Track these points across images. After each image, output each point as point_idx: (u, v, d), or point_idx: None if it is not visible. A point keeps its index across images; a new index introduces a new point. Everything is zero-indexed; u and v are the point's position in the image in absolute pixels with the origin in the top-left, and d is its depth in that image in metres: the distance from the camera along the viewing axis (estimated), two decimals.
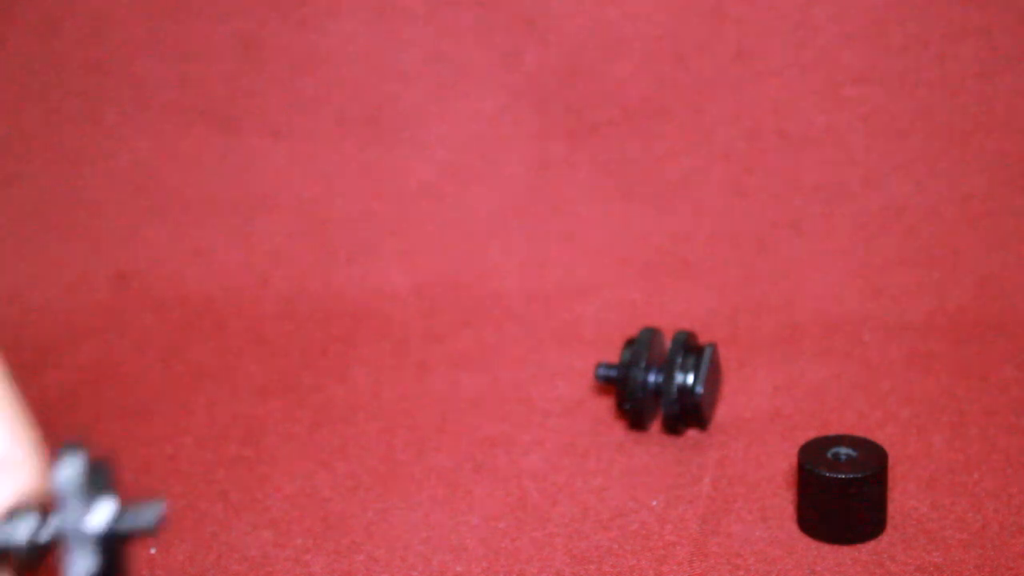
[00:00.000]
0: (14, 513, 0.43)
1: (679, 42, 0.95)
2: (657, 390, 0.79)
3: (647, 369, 0.79)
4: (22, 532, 0.44)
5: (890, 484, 0.72)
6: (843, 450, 0.72)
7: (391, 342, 0.90)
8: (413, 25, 0.96)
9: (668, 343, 0.80)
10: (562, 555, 0.71)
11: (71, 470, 0.42)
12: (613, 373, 0.80)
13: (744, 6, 0.95)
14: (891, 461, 0.72)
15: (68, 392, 0.86)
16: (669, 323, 0.85)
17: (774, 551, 0.71)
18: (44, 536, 0.44)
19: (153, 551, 0.72)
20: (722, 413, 0.82)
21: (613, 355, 0.83)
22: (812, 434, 0.74)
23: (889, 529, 0.72)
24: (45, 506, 0.44)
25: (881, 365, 0.86)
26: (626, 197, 0.95)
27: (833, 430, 0.78)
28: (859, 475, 0.70)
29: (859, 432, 0.76)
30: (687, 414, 0.79)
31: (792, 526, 0.72)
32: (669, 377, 0.78)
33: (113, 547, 0.43)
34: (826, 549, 0.71)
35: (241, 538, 0.73)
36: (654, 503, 0.75)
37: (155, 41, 0.97)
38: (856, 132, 0.95)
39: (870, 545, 0.71)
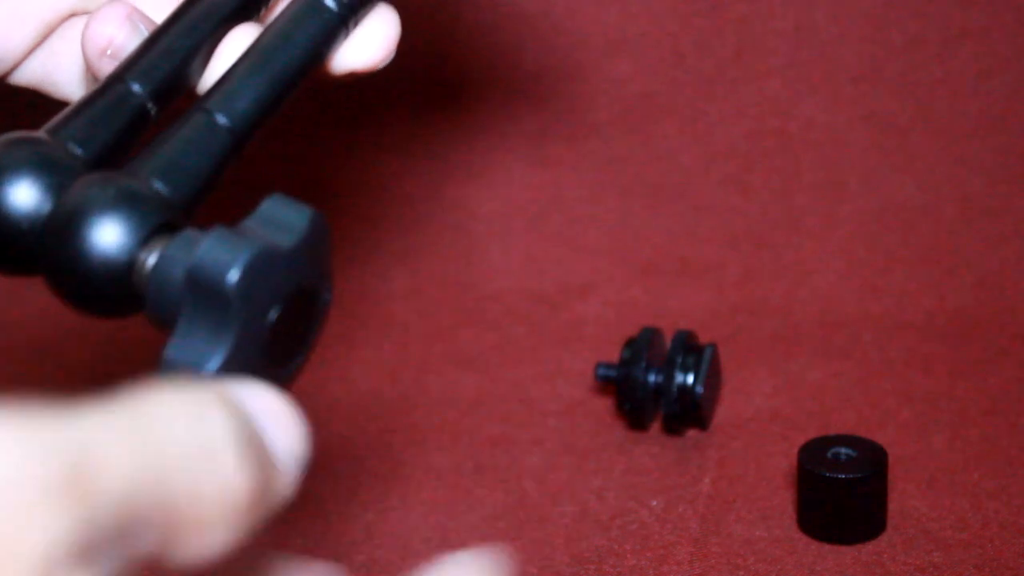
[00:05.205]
0: None
1: (679, 42, 0.95)
2: (657, 390, 0.79)
3: (647, 369, 0.79)
4: None
5: (890, 484, 0.72)
6: (843, 450, 0.72)
7: (391, 342, 0.90)
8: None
9: (668, 343, 0.80)
10: (562, 555, 0.71)
11: None
12: (613, 373, 0.80)
13: (744, 6, 0.95)
14: (891, 461, 0.72)
15: None
16: (669, 323, 0.85)
17: (774, 551, 0.71)
18: None
19: None
20: (722, 413, 0.81)
21: (613, 355, 0.83)
22: (812, 434, 0.74)
23: (889, 529, 0.72)
24: None
25: (881, 365, 0.85)
26: (626, 197, 0.95)
27: (833, 430, 0.78)
28: (859, 475, 0.70)
29: (859, 432, 0.75)
30: (687, 414, 0.79)
31: (792, 526, 0.72)
32: (669, 377, 0.78)
33: None
34: (826, 549, 0.71)
35: None
36: (654, 503, 0.75)
37: None
38: (856, 132, 0.95)
39: (870, 545, 0.71)
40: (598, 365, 0.80)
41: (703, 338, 0.83)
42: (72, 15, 0.56)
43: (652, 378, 0.79)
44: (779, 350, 0.87)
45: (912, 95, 0.94)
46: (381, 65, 0.56)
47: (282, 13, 0.53)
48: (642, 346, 0.79)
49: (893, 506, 0.73)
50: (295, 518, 0.74)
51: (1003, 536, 0.71)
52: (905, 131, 0.94)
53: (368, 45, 0.55)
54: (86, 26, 0.54)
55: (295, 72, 0.52)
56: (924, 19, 0.94)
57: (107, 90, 0.50)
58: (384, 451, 0.80)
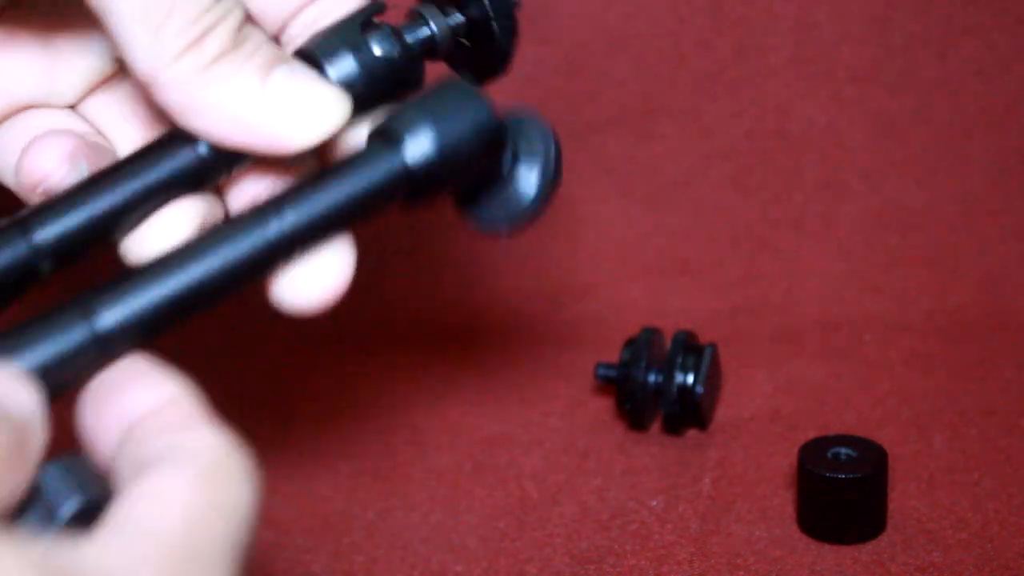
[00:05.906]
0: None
1: (679, 41, 0.95)
2: (657, 390, 0.79)
3: (647, 369, 0.79)
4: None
5: (890, 484, 0.72)
6: (843, 450, 0.72)
7: (391, 342, 0.90)
8: None
9: (668, 343, 0.80)
10: (562, 555, 0.71)
11: None
12: (613, 373, 0.80)
13: (744, 6, 0.95)
14: (891, 461, 0.72)
15: None
16: (669, 323, 0.85)
17: (774, 551, 0.71)
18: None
19: None
20: (722, 413, 0.82)
21: (613, 355, 0.83)
22: (812, 434, 0.74)
23: (889, 529, 0.72)
24: None
25: (881, 365, 0.86)
26: (626, 197, 0.95)
27: (833, 430, 0.78)
28: (859, 475, 0.70)
29: (859, 432, 0.76)
30: (687, 414, 0.79)
31: (792, 526, 0.72)
32: (669, 377, 0.78)
33: None
34: (826, 549, 0.71)
35: None
36: (654, 503, 0.75)
37: None
38: (856, 131, 0.95)
39: (870, 545, 0.71)
40: (598, 365, 0.81)
41: (703, 338, 0.83)
42: (29, 107, 0.52)
43: (652, 378, 0.79)
44: (779, 350, 0.87)
45: (912, 95, 0.94)
46: (324, 310, 0.47)
47: (219, 227, 0.45)
48: (642, 346, 0.79)
49: (893, 506, 0.73)
50: (294, 518, 0.74)
51: (1003, 536, 0.71)
52: (905, 131, 0.94)
53: (310, 286, 0.46)
54: (23, 153, 0.49)
55: (208, 295, 0.45)
56: (924, 19, 0.94)
57: (1, 234, 0.45)
58: (384, 451, 0.80)
